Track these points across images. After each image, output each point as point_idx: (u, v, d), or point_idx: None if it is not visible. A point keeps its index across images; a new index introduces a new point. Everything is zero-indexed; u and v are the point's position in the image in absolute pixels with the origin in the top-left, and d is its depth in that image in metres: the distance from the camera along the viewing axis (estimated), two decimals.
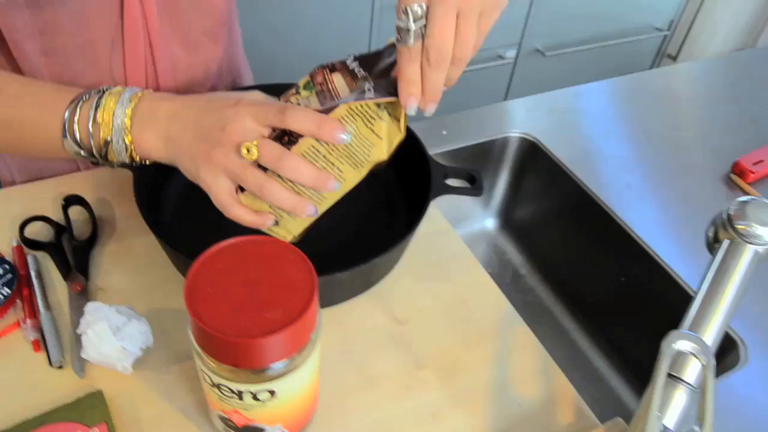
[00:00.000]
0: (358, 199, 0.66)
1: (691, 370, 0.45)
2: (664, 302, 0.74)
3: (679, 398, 0.45)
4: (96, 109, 0.49)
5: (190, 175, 0.49)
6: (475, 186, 0.63)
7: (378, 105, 0.48)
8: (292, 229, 0.51)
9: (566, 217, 0.87)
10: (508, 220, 0.96)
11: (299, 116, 0.44)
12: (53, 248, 0.61)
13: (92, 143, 0.49)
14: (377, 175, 0.70)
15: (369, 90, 0.49)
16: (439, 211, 0.71)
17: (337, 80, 0.51)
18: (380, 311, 0.60)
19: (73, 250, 0.61)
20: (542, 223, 0.92)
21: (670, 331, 0.46)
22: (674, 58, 2.47)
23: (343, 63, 0.52)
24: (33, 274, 0.59)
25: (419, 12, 0.42)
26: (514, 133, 0.87)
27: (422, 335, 0.59)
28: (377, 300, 0.61)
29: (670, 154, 0.88)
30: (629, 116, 0.95)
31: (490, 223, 0.97)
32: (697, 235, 0.77)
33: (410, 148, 0.67)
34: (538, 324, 0.84)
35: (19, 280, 0.57)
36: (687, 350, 0.44)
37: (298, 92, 0.53)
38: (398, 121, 0.50)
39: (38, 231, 0.63)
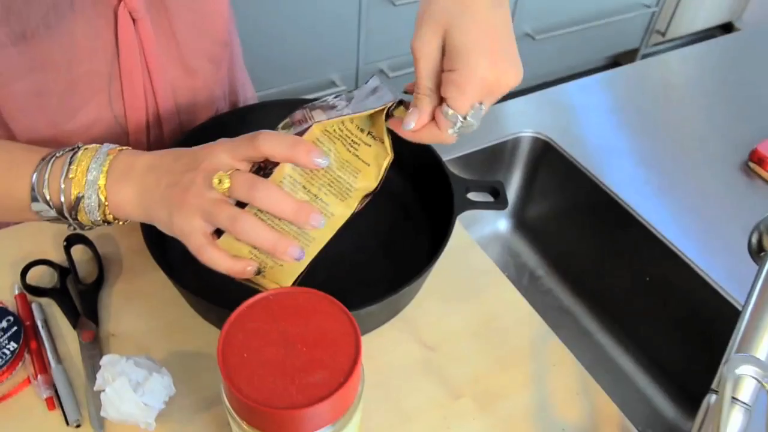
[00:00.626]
0: (377, 219, 0.63)
1: (746, 390, 0.43)
2: (692, 301, 0.72)
3: (736, 419, 0.43)
4: (69, 164, 0.45)
5: (165, 227, 0.44)
6: (498, 199, 0.60)
7: (361, 129, 0.45)
8: (280, 280, 0.45)
9: (583, 216, 0.85)
10: (521, 220, 0.93)
11: (271, 140, 0.40)
12: (58, 294, 0.57)
13: (62, 200, 0.45)
14: (395, 193, 0.68)
15: (346, 107, 0.46)
16: (459, 225, 0.68)
17: (317, 114, 0.47)
18: (408, 337, 0.57)
19: (79, 294, 0.57)
20: (558, 223, 0.89)
21: (728, 353, 0.43)
22: (663, 34, 2.45)
23: (325, 101, 0.49)
24: (39, 324, 0.55)
25: (481, 112, 0.43)
26: (526, 132, 0.84)
27: (455, 361, 0.56)
28: (404, 325, 0.58)
29: (684, 144, 0.86)
30: (638, 107, 0.92)
31: (503, 224, 0.94)
32: (721, 230, 0.76)
33: (427, 163, 0.64)
34: (559, 326, 0.81)
35: (26, 332, 0.54)
36: (750, 374, 0.42)
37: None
38: (382, 142, 0.46)
39: (41, 276, 0.59)
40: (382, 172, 0.46)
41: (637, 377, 0.80)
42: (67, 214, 0.46)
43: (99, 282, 0.59)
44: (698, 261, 0.71)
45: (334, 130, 0.44)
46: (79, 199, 0.45)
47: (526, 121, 0.86)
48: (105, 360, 0.49)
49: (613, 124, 0.88)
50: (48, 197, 0.45)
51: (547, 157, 0.86)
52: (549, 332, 0.59)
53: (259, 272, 0.44)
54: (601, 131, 0.87)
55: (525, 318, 0.60)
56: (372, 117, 0.46)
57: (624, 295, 0.82)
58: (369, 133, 0.46)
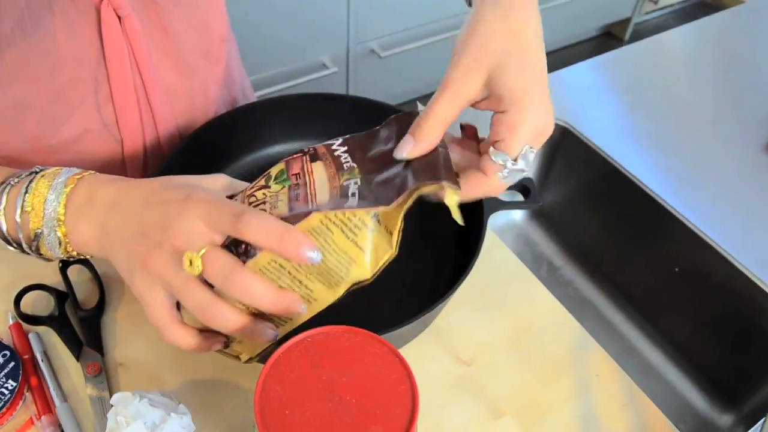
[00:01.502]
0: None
1: None
2: (726, 291, 0.69)
3: None
4: (25, 194, 0.39)
5: (126, 278, 0.39)
6: (530, 198, 0.56)
7: (367, 212, 0.37)
8: (250, 348, 0.40)
9: (605, 204, 0.81)
10: (538, 208, 0.89)
11: (257, 226, 0.34)
12: (57, 322, 0.52)
13: (21, 236, 0.40)
14: (422, 202, 0.62)
15: (353, 195, 0.38)
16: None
17: (318, 173, 0.40)
18: (441, 352, 0.53)
19: (80, 321, 0.52)
20: (576, 211, 0.85)
21: None
22: (656, 2, 2.40)
23: (328, 147, 0.42)
24: (39, 357, 0.50)
25: (531, 155, 0.40)
26: None
27: (492, 375, 0.52)
28: (435, 338, 0.54)
29: (704, 124, 0.82)
30: (651, 85, 0.87)
31: (519, 212, 0.90)
32: (752, 216, 0.72)
33: None
34: (582, 319, 0.78)
35: (24, 368, 0.49)
36: None
37: (267, 185, 0.41)
38: (390, 234, 0.38)
39: (36, 302, 0.54)
40: (379, 267, 0.38)
41: (665, 369, 0.77)
42: (28, 250, 0.41)
43: (101, 306, 0.54)
44: (732, 250, 0.67)
45: (336, 216, 0.37)
46: (38, 236, 0.39)
47: None
48: (116, 399, 0.44)
49: (628, 104, 0.84)
50: (5, 230, 0.40)
51: (565, 143, 0.81)
52: (588, 338, 0.56)
53: (227, 346, 0.40)
54: (616, 114, 0.83)
55: (561, 324, 0.57)
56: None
57: (650, 285, 0.78)
58: (376, 216, 0.37)
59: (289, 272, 0.36)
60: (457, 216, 0.38)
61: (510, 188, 0.57)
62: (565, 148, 0.82)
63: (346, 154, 0.41)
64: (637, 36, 2.43)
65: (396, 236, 0.38)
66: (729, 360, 0.71)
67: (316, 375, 0.31)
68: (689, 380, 0.76)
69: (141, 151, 0.57)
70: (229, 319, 0.35)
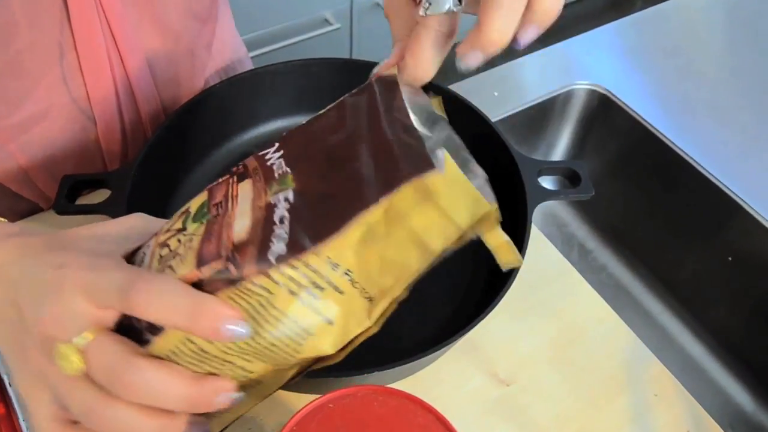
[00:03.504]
0: None
1: None
2: None
3: None
4: None
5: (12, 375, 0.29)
6: (580, 186, 0.48)
7: (334, 265, 0.23)
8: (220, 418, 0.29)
9: (645, 182, 0.72)
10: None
11: (157, 298, 0.23)
12: None
13: None
14: None
15: (281, 221, 0.24)
16: None
17: (243, 194, 0.27)
18: (477, 370, 0.46)
19: None
20: (612, 189, 0.77)
21: None
22: None
23: (261, 158, 0.28)
24: (6, 380, 0.43)
25: None
26: (581, 84, 0.70)
27: (536, 397, 0.45)
28: (470, 353, 0.46)
29: (764, 93, 0.72)
30: (705, 45, 0.77)
31: None
32: None
33: (481, 138, 0.50)
34: (617, 308, 0.71)
35: None
36: None
37: (183, 227, 0.27)
38: (369, 300, 0.25)
39: None
40: (347, 342, 0.26)
41: (709, 366, 0.70)
42: None
43: None
44: None
45: (278, 273, 0.23)
46: None
47: (577, 70, 0.72)
48: None
49: (674, 69, 0.74)
50: None
51: (603, 112, 0.72)
52: (643, 349, 0.48)
53: None
54: (663, 79, 0.73)
55: (613, 333, 0.49)
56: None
57: (696, 273, 0.71)
58: (347, 272, 0.24)
59: (215, 355, 0.25)
60: (506, 253, 0.25)
61: (557, 175, 0.49)
62: (603, 118, 0.73)
63: (281, 160, 0.27)
64: None
65: (382, 306, 0.25)
66: None
67: None
68: (736, 378, 0.69)
69: (118, 132, 0.49)
70: (128, 424, 0.24)
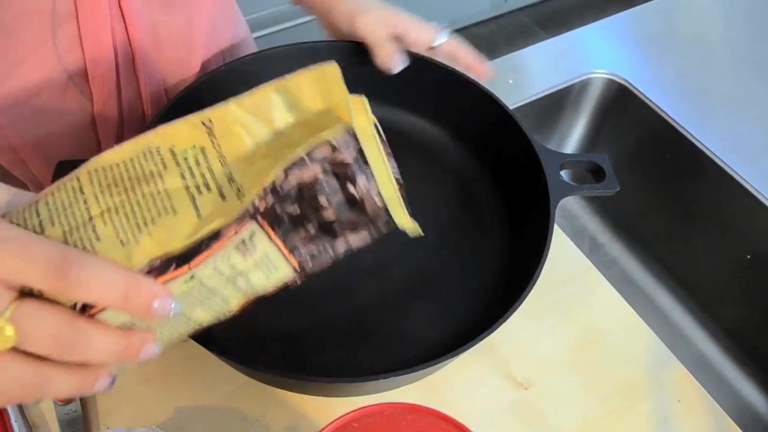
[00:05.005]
0: (436, 208, 0.48)
1: None
2: None
3: None
4: None
5: None
6: (605, 181, 0.45)
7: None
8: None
9: (660, 174, 0.70)
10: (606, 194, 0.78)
11: (94, 279, 0.22)
12: None
13: None
14: (457, 171, 0.51)
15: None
16: None
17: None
18: (494, 372, 0.44)
19: None
20: (625, 181, 0.74)
21: None
22: None
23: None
24: None
25: None
26: (598, 73, 0.68)
27: (556, 402, 0.43)
28: (486, 355, 0.44)
29: None
30: (725, 35, 0.75)
31: None
32: None
33: (499, 129, 0.48)
34: (628, 303, 0.70)
35: None
36: None
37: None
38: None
39: None
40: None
41: (722, 366, 0.69)
42: None
43: None
44: None
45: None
46: None
47: (593, 58, 0.69)
48: None
49: (694, 59, 0.72)
50: None
51: (619, 102, 0.70)
52: (665, 352, 0.46)
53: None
54: (684, 69, 0.70)
55: (633, 333, 0.47)
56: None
57: (711, 270, 0.69)
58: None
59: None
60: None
61: (581, 169, 0.46)
62: (619, 108, 0.70)
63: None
64: None
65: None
66: None
67: None
68: (750, 378, 0.67)
69: (115, 110, 0.45)
70: (61, 384, 0.24)
